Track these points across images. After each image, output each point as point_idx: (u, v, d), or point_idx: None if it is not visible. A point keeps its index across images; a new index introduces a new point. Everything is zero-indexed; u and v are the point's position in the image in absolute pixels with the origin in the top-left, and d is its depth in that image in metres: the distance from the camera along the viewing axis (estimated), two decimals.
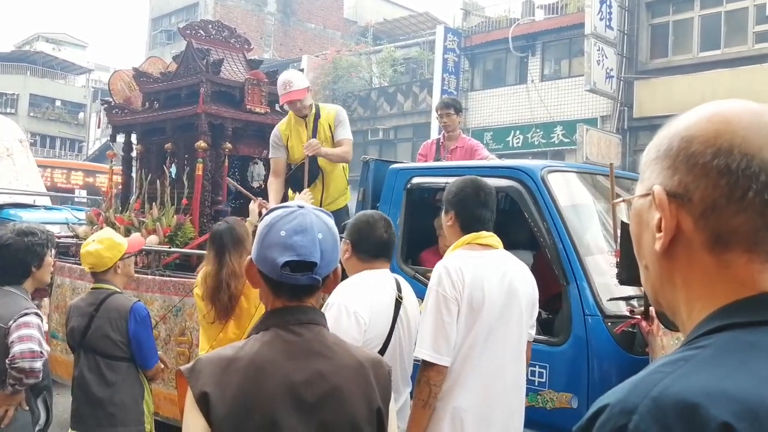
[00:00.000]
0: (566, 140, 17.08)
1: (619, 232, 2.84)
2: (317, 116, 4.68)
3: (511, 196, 3.48)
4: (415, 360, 2.55)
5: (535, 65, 18.78)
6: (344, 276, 2.44)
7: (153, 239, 4.81)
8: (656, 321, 2.85)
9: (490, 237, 2.60)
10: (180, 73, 5.61)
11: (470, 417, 2.44)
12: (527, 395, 2.71)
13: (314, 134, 4.61)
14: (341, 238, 2.32)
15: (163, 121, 5.54)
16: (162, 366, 3.42)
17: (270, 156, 4.80)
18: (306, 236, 1.43)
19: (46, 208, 9.12)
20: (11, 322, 2.92)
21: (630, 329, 2.99)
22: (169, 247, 4.81)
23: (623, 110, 16.35)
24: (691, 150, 0.78)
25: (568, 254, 3.13)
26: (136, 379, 3.26)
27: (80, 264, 3.64)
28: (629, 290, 3.02)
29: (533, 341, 2.76)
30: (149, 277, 4.55)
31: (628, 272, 2.55)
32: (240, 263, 3.24)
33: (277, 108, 5.77)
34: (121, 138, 6.36)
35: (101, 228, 5.04)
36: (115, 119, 6.03)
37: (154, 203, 5.23)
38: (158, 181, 5.38)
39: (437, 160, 5.11)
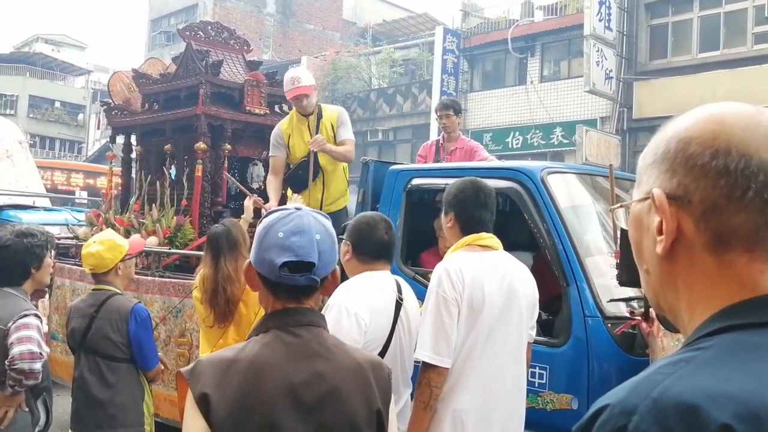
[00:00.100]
0: (565, 141, 17.09)
1: (618, 233, 2.84)
2: (320, 116, 4.70)
3: (511, 198, 3.48)
4: (415, 361, 2.55)
5: (535, 66, 18.79)
6: (344, 277, 2.44)
7: (153, 240, 4.81)
8: (656, 322, 2.85)
9: (490, 238, 2.60)
10: (179, 75, 5.62)
11: (471, 418, 2.44)
12: (527, 396, 2.71)
13: (317, 133, 4.62)
14: (341, 239, 2.33)
15: (162, 123, 5.54)
16: (162, 367, 3.42)
17: (270, 154, 4.80)
18: (304, 237, 1.45)
19: (46, 209, 9.12)
20: (11, 323, 2.91)
21: (630, 330, 2.99)
22: (169, 249, 4.82)
23: (622, 111, 16.36)
24: (689, 152, 0.78)
25: (568, 255, 3.13)
26: (137, 380, 3.26)
27: (80, 265, 3.65)
28: (629, 291, 3.02)
29: (533, 342, 2.77)
30: (149, 278, 4.55)
31: (628, 273, 2.55)
32: (235, 267, 3.24)
33: (277, 109, 5.78)
34: (120, 139, 6.36)
35: (101, 229, 5.05)
36: (114, 120, 6.03)
37: (153, 204, 5.23)
38: (158, 182, 5.38)
39: (437, 161, 5.11)
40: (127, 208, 5.56)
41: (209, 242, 3.43)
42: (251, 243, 1.57)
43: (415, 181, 3.86)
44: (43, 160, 20.05)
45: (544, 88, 18.21)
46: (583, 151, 15.16)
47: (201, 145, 5.07)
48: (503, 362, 2.51)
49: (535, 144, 17.97)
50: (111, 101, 6.38)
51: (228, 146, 5.23)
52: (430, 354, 2.40)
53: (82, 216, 6.63)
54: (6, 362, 2.84)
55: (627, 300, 3.11)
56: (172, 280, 4.47)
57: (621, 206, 0.98)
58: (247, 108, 5.38)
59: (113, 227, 4.94)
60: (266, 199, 4.61)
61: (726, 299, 0.77)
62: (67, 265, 5.43)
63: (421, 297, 2.63)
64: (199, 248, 4.62)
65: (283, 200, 4.68)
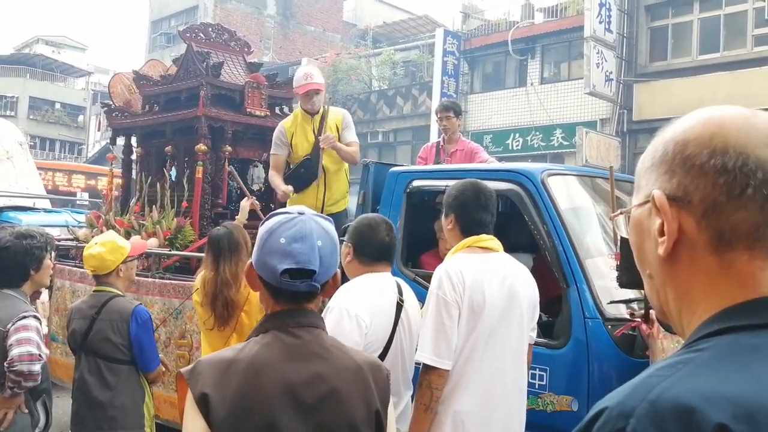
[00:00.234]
0: (566, 143, 17.10)
1: (618, 239, 2.85)
2: (324, 116, 4.71)
3: (511, 199, 3.48)
4: (416, 363, 2.55)
5: (535, 68, 18.80)
6: (345, 279, 2.44)
7: (153, 242, 4.81)
8: (656, 324, 2.85)
9: (490, 240, 2.60)
10: (180, 76, 5.62)
11: (471, 420, 2.44)
12: (527, 398, 2.71)
13: (321, 133, 4.63)
14: (342, 241, 2.33)
15: (163, 124, 5.54)
16: (163, 369, 3.42)
17: (272, 152, 4.79)
18: (305, 244, 1.45)
19: (46, 210, 9.12)
20: (10, 325, 2.91)
21: (630, 332, 2.99)
22: (169, 250, 4.82)
23: (622, 113, 16.37)
24: (687, 152, 0.79)
25: (568, 257, 3.13)
26: (137, 382, 3.26)
27: (81, 267, 3.65)
28: (629, 293, 3.03)
29: (534, 344, 2.77)
30: (149, 280, 4.55)
31: (628, 275, 2.55)
32: (234, 272, 3.24)
33: (277, 111, 5.78)
34: (121, 141, 6.37)
35: (101, 231, 5.05)
36: (115, 122, 6.03)
37: (154, 206, 5.23)
38: (158, 184, 5.39)
39: (437, 163, 5.11)
40: (127, 210, 5.57)
41: (210, 244, 3.42)
42: (253, 245, 1.57)
43: (416, 183, 3.86)
44: (45, 162, 20.08)
45: (544, 90, 18.22)
46: (583, 153, 15.17)
47: (201, 146, 5.07)
48: (504, 364, 2.51)
49: (535, 146, 17.98)
50: (111, 103, 6.38)
51: (228, 148, 5.23)
52: (430, 356, 2.40)
53: (82, 217, 6.63)
54: (5, 364, 2.84)
55: (627, 302, 3.11)
56: (173, 281, 4.47)
57: (621, 213, 0.98)
58: (248, 110, 5.39)
59: (113, 229, 4.94)
60: (266, 201, 4.60)
61: (726, 299, 0.77)
62: (68, 267, 5.43)
63: (421, 299, 2.63)
64: (199, 250, 4.63)
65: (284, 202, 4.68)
